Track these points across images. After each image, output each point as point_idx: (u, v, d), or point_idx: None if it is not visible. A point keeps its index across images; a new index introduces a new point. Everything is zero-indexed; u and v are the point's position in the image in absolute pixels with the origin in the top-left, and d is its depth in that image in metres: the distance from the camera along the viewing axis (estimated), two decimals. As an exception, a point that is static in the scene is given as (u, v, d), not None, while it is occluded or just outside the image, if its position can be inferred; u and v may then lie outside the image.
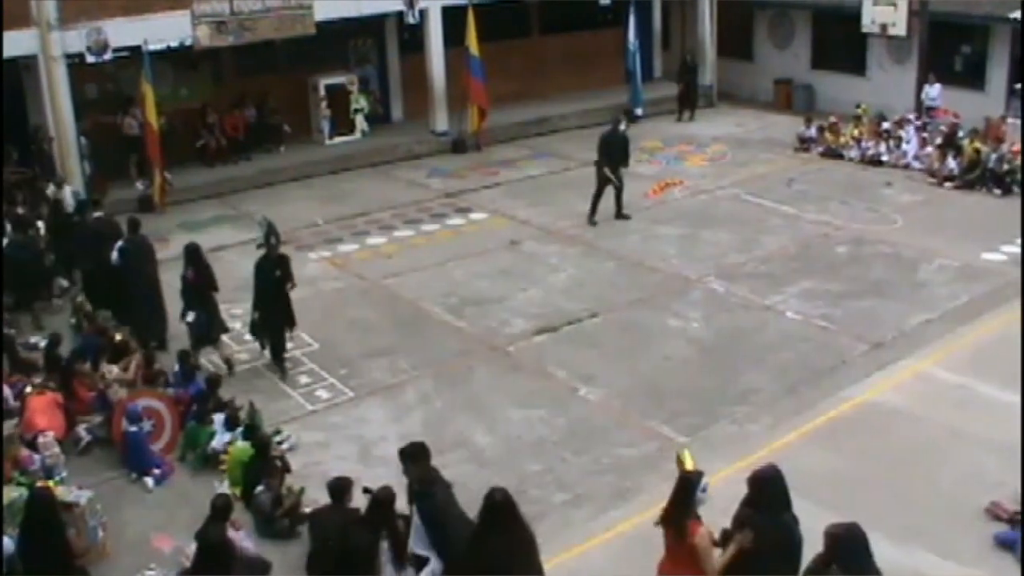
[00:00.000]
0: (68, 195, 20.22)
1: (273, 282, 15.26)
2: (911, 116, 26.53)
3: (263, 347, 15.88)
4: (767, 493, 8.70)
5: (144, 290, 16.47)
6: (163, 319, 16.60)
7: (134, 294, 16.43)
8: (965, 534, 11.16)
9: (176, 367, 14.68)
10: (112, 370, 14.27)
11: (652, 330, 16.79)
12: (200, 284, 15.72)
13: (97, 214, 18.02)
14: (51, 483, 11.71)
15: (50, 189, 19.80)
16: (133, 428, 12.91)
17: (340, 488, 10.53)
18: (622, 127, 22.24)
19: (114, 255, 16.44)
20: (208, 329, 15.77)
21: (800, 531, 8.67)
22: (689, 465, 9.12)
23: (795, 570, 8.69)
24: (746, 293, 18.10)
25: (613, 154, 21.77)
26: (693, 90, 31.49)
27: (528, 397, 14.71)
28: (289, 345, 15.79)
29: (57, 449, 12.76)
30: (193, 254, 15.89)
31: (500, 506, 8.77)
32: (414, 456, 10.33)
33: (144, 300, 16.45)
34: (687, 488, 8.66)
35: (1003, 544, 10.93)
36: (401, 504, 10.23)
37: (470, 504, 9.76)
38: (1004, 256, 19.31)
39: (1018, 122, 25.10)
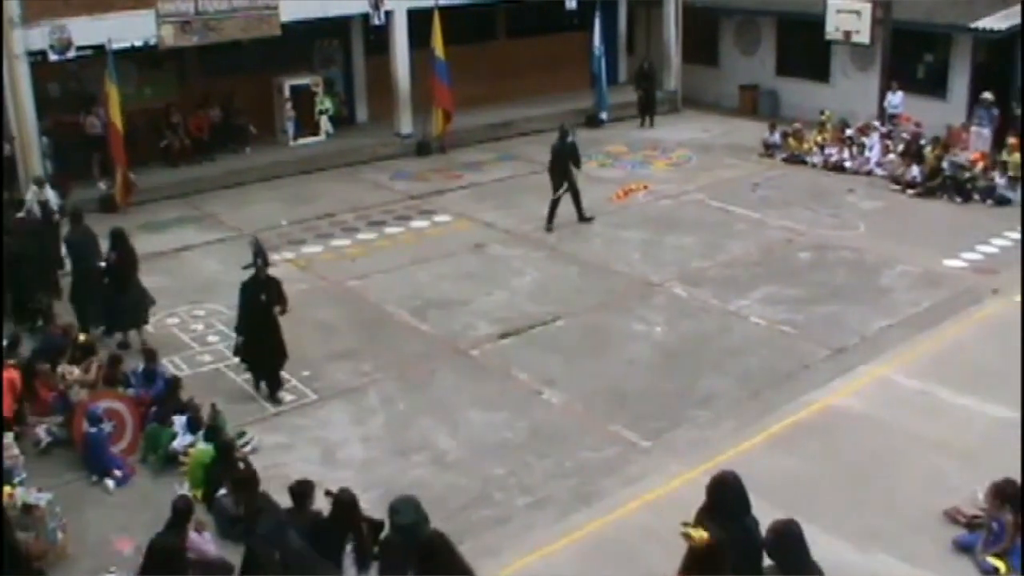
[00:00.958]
0: (51, 195, 19.99)
1: (259, 307, 14.59)
2: (876, 123, 26.72)
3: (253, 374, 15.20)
4: (726, 498, 8.69)
5: (89, 280, 16.65)
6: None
7: (78, 285, 16.80)
8: (924, 538, 11.24)
9: (140, 367, 14.60)
10: (73, 371, 14.17)
11: (616, 334, 16.83)
12: (122, 266, 16.14)
13: (20, 214, 18.23)
14: (10, 485, 11.60)
15: (32, 189, 19.63)
16: (93, 429, 12.82)
17: (302, 491, 10.50)
18: (570, 138, 22.33)
19: (63, 249, 17.12)
20: (132, 312, 16.34)
21: (761, 533, 8.69)
22: (701, 536, 8.19)
23: (757, 571, 8.69)
24: (709, 298, 18.17)
25: (562, 164, 21.85)
26: (651, 96, 31.54)
27: (491, 400, 14.70)
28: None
29: (16, 451, 12.64)
30: (118, 238, 16.28)
31: (438, 549, 8.74)
32: (242, 484, 10.32)
33: (89, 290, 16.66)
34: (716, 559, 8.09)
35: (962, 548, 11.02)
36: (364, 506, 10.26)
37: (432, 506, 9.77)
38: (964, 263, 19.47)
39: (982, 130, 25.36)
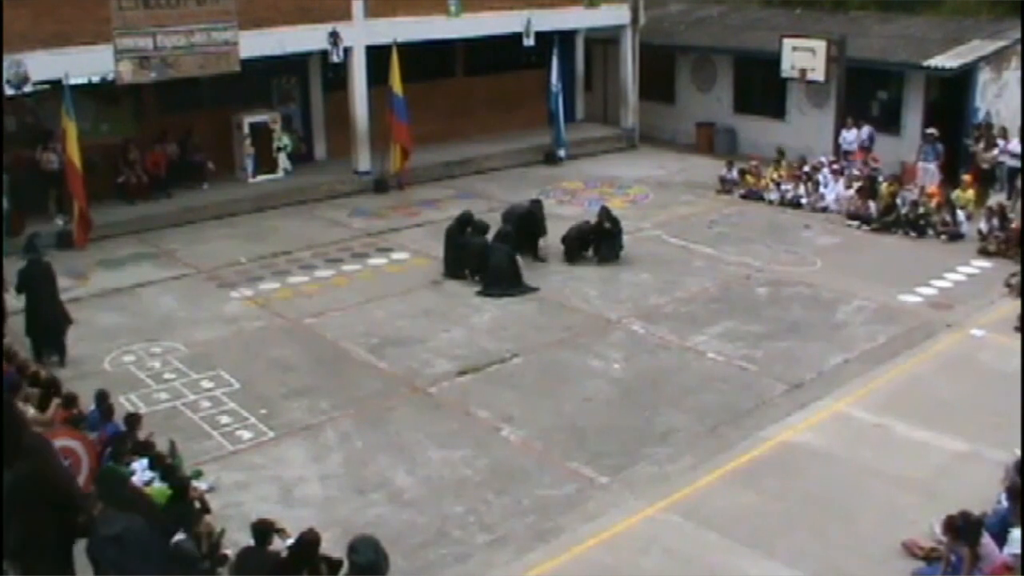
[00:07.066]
0: None
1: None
2: (823, 159, 26.96)
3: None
4: None
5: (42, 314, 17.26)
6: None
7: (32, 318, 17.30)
8: (884, 571, 11.28)
9: (92, 407, 14.40)
10: (28, 410, 13.97)
11: (574, 371, 16.83)
12: None
13: None
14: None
15: None
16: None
17: (265, 531, 10.42)
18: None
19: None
20: None
21: None
22: None
23: None
24: (667, 334, 18.22)
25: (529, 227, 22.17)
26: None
27: (450, 437, 14.65)
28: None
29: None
30: None
31: None
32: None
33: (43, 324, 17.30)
34: None
35: (920, 581, 11.10)
36: (323, 545, 10.19)
37: (391, 545, 9.72)
38: (919, 297, 19.65)
39: (927, 165, 25.73)
